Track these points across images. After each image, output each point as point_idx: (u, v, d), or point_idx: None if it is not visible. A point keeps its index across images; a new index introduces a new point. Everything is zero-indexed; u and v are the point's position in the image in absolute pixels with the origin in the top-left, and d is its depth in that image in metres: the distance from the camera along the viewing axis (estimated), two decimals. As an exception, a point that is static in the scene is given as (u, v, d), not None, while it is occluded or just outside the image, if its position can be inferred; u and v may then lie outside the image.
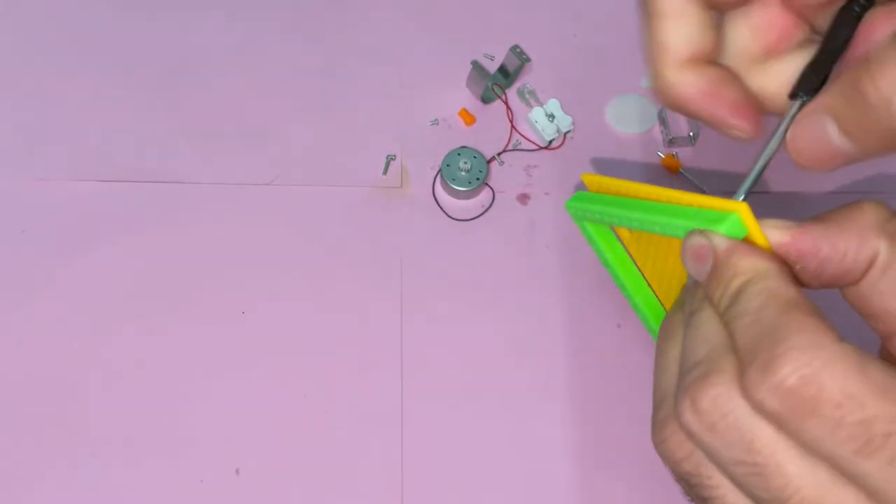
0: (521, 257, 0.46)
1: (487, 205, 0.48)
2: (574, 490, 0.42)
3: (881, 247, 0.25)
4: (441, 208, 0.47)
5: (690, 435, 0.25)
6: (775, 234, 0.26)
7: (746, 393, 0.23)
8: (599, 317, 0.45)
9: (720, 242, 0.26)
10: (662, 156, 0.49)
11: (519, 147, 0.49)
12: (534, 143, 0.49)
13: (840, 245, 0.25)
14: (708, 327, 0.26)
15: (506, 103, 0.50)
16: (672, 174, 0.49)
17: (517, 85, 0.51)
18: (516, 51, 0.47)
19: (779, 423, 0.23)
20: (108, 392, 0.42)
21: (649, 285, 0.34)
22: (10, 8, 0.51)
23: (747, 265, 0.25)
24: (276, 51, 0.51)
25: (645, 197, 0.30)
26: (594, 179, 0.34)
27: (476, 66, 0.48)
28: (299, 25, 0.52)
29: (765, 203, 0.48)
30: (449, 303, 0.45)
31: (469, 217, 0.47)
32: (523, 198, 0.48)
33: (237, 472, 0.41)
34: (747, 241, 0.26)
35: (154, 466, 0.41)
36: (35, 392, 0.42)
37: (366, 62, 0.51)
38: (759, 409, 0.23)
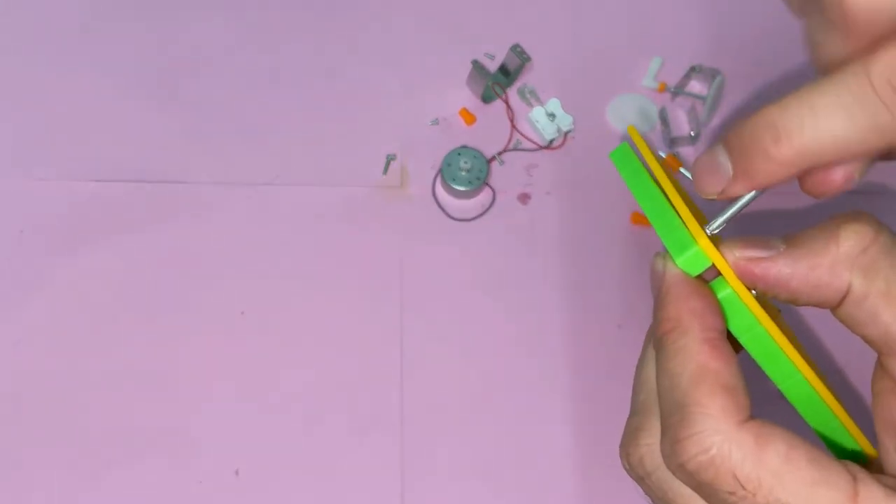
0: (521, 257, 0.46)
1: (487, 205, 0.47)
2: (574, 490, 0.41)
3: (854, 281, 0.25)
4: (441, 208, 0.47)
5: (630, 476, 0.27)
6: (742, 264, 0.26)
7: (664, 459, 0.25)
8: (600, 317, 0.45)
9: (669, 275, 0.27)
10: (663, 155, 0.49)
11: (519, 147, 0.49)
12: (534, 142, 0.49)
13: (811, 278, 0.26)
14: (649, 369, 0.27)
15: (506, 103, 0.50)
16: (673, 173, 0.49)
17: (518, 84, 0.50)
18: (517, 50, 0.47)
19: (692, 489, 0.25)
20: (107, 392, 0.42)
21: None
22: (10, 8, 0.51)
23: (672, 313, 0.26)
24: (276, 51, 0.51)
25: (662, 188, 0.30)
26: (637, 139, 0.33)
27: (476, 65, 0.48)
28: (299, 25, 0.52)
29: (766, 201, 0.48)
30: (449, 303, 0.45)
31: (469, 217, 0.47)
32: (524, 198, 0.48)
33: (236, 472, 0.41)
34: (705, 276, 0.27)
35: (153, 467, 0.41)
36: (33, 392, 0.42)
37: (366, 62, 0.51)
38: (674, 475, 0.25)
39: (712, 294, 0.27)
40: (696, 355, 0.25)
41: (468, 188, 0.46)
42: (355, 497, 0.41)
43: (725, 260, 0.27)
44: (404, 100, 0.50)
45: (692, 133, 0.49)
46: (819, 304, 0.27)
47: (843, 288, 0.25)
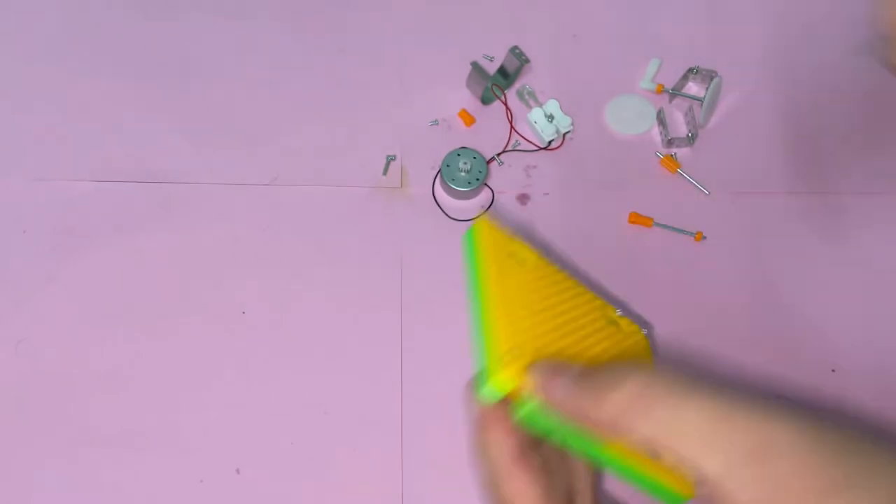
0: (521, 257, 0.46)
1: (487, 205, 0.48)
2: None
3: (634, 424, 0.28)
4: (441, 208, 0.47)
5: None
6: (541, 392, 0.30)
7: None
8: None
9: (482, 406, 0.33)
10: (661, 156, 0.49)
11: (518, 147, 0.49)
12: (533, 143, 0.49)
13: (598, 416, 0.29)
14: (482, 455, 0.33)
15: (505, 104, 0.50)
16: (671, 174, 0.49)
17: (517, 86, 0.51)
18: (515, 52, 0.48)
19: None
20: (108, 391, 0.42)
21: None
22: (10, 12, 0.52)
23: (487, 438, 0.32)
24: (276, 52, 0.51)
25: (487, 295, 0.34)
26: (483, 228, 0.36)
27: (476, 67, 0.48)
28: (300, 27, 0.52)
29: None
30: (448, 302, 0.45)
31: (469, 217, 0.47)
32: (523, 198, 0.48)
33: (237, 471, 0.41)
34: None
35: (154, 466, 0.41)
36: (35, 391, 0.42)
37: (366, 63, 0.51)
38: None
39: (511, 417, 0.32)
40: (511, 476, 0.31)
41: (467, 188, 0.47)
42: (355, 495, 0.41)
43: (525, 384, 0.30)
44: (404, 101, 0.50)
45: (690, 134, 0.49)
46: (612, 437, 0.29)
47: (619, 431, 0.28)
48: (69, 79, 0.50)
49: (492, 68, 0.50)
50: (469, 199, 0.48)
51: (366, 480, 0.41)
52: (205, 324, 0.44)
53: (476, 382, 0.32)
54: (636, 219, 0.47)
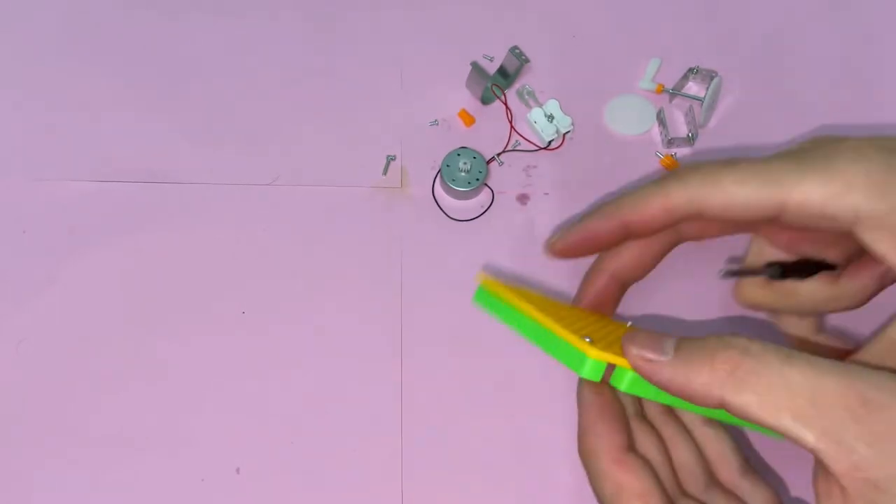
0: (520, 257, 0.46)
1: (487, 205, 0.48)
2: (574, 491, 0.42)
3: (725, 397, 0.29)
4: (441, 209, 0.47)
5: None
6: (637, 363, 0.31)
7: None
8: (598, 316, 0.45)
9: (579, 398, 0.35)
10: (661, 156, 0.49)
11: (518, 148, 0.49)
12: (533, 143, 0.49)
13: (685, 391, 0.30)
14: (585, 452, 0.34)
15: (505, 104, 0.50)
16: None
17: (516, 86, 0.51)
18: (515, 51, 0.48)
19: None
20: (108, 392, 0.42)
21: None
22: (10, 10, 0.52)
23: (584, 445, 0.34)
24: (276, 51, 0.51)
25: (532, 313, 0.34)
26: (489, 284, 0.37)
27: (475, 66, 0.48)
28: (300, 26, 0.52)
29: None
30: (449, 303, 0.45)
31: (469, 217, 0.47)
32: (523, 198, 0.48)
33: (238, 471, 0.41)
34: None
35: (154, 466, 0.41)
36: (35, 392, 0.42)
37: (366, 62, 0.51)
38: None
39: (615, 408, 0.34)
40: (610, 476, 0.32)
41: (467, 189, 0.47)
42: (355, 495, 0.41)
43: (620, 356, 0.31)
44: (404, 100, 0.50)
45: (690, 134, 0.49)
46: (697, 407, 0.30)
47: (713, 404, 0.29)
48: (69, 78, 0.50)
49: (492, 68, 0.50)
50: (469, 199, 0.48)
51: (366, 480, 0.41)
52: (205, 324, 0.44)
53: (574, 366, 0.32)
54: (636, 219, 0.47)
